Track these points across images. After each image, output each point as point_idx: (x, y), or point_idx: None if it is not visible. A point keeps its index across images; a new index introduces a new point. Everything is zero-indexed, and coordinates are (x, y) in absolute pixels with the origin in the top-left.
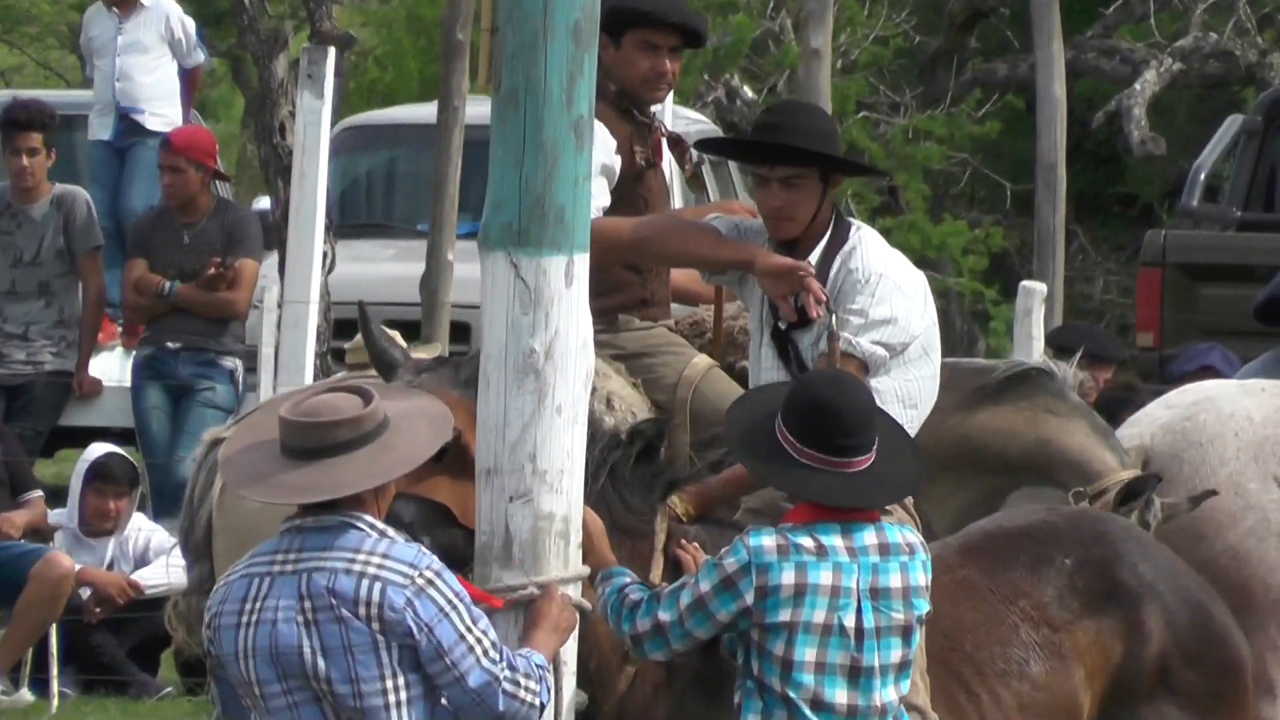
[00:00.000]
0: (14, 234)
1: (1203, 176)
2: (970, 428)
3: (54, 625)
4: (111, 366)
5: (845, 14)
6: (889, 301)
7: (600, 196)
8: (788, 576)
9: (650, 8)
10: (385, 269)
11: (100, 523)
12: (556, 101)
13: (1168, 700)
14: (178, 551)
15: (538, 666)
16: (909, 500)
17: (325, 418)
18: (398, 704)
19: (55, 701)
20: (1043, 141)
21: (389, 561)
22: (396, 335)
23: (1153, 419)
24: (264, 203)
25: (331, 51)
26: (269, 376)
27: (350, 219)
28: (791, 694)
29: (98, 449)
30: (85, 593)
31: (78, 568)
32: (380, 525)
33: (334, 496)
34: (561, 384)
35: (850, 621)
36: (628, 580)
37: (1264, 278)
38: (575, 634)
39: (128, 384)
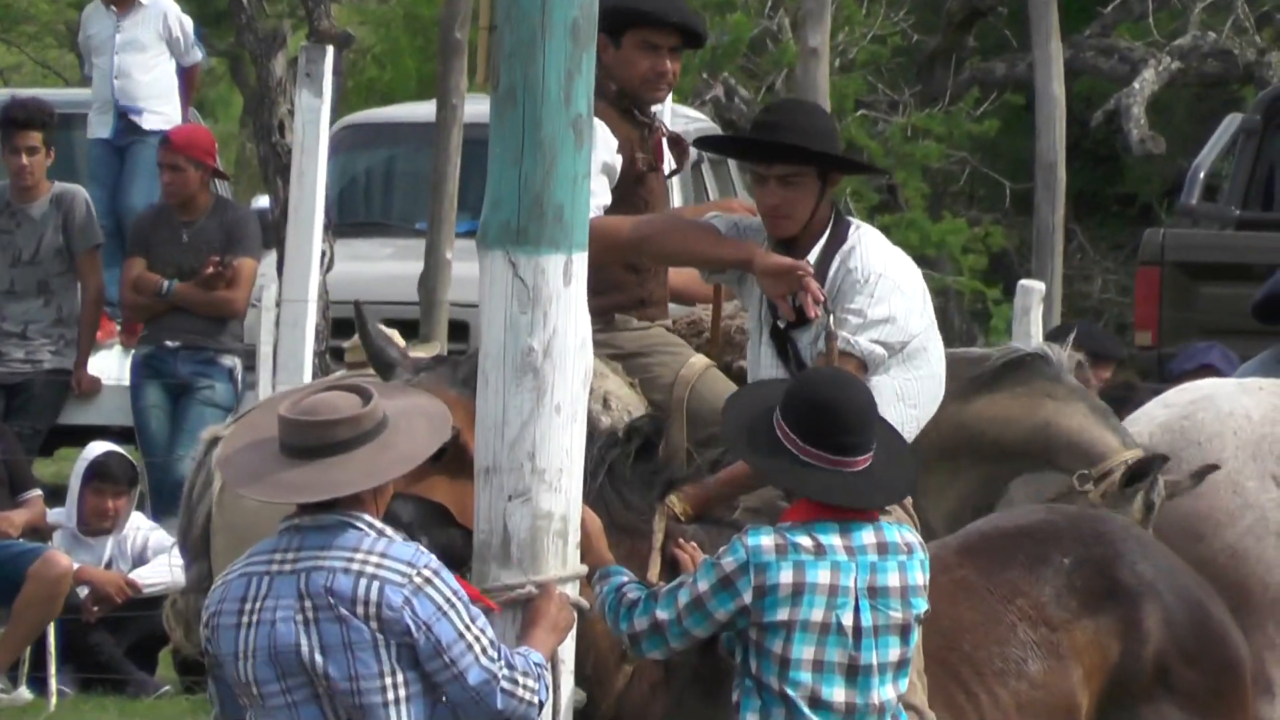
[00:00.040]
0: (13, 233)
1: (1201, 175)
2: (968, 416)
3: (52, 624)
4: (110, 365)
5: (843, 13)
6: (888, 301)
7: (601, 195)
8: (786, 575)
9: (650, 8)
10: (384, 268)
11: (99, 522)
12: (555, 100)
13: (1166, 699)
14: (176, 550)
15: (536, 665)
16: (907, 500)
17: (324, 416)
18: (396, 701)
19: (53, 700)
20: (1041, 140)
21: (387, 560)
22: (395, 334)
23: (1151, 418)
24: (263, 201)
25: (330, 50)
26: (268, 375)
27: (349, 218)
28: (790, 692)
29: (96, 448)
30: (83, 591)
31: (76, 566)
32: (378, 524)
33: (333, 496)
34: (560, 382)
35: (848, 620)
36: (625, 579)
37: (1262, 276)
38: (573, 633)
39: (126, 383)
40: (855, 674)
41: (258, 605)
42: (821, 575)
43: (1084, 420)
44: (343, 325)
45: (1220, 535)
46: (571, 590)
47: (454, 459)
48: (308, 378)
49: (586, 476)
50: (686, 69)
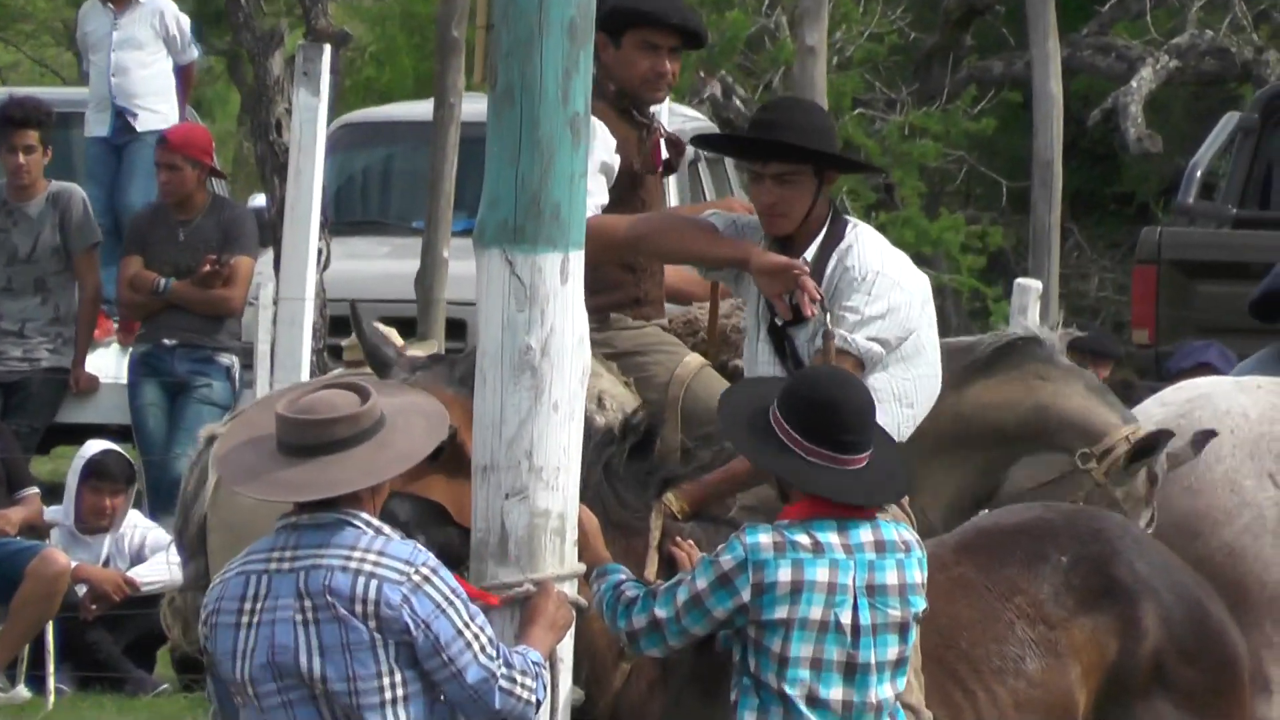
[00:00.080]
0: (10, 231)
1: (1199, 174)
2: (964, 405)
3: (50, 622)
4: (108, 363)
5: (840, 11)
6: (885, 298)
7: (598, 194)
8: (784, 573)
9: (651, 8)
10: (381, 266)
11: (96, 520)
12: (552, 98)
13: (1163, 697)
14: (174, 548)
15: (534, 663)
16: (903, 498)
17: (322, 415)
18: (394, 701)
19: (52, 698)
20: (1039, 139)
21: (384, 558)
22: (392, 332)
23: (1148, 416)
24: (260, 200)
25: (327, 49)
26: (265, 373)
27: (346, 216)
28: (788, 690)
29: (94, 446)
30: (81, 590)
31: (74, 565)
32: (376, 523)
33: (331, 495)
34: (558, 381)
35: (847, 618)
36: (623, 577)
37: (1259, 275)
38: (572, 631)
39: (124, 381)
40: (853, 672)
41: (257, 605)
42: (820, 573)
43: (1082, 399)
44: (340, 323)
45: (1217, 533)
46: (569, 588)
47: (451, 458)
48: (305, 376)
49: (582, 475)
50: (683, 67)
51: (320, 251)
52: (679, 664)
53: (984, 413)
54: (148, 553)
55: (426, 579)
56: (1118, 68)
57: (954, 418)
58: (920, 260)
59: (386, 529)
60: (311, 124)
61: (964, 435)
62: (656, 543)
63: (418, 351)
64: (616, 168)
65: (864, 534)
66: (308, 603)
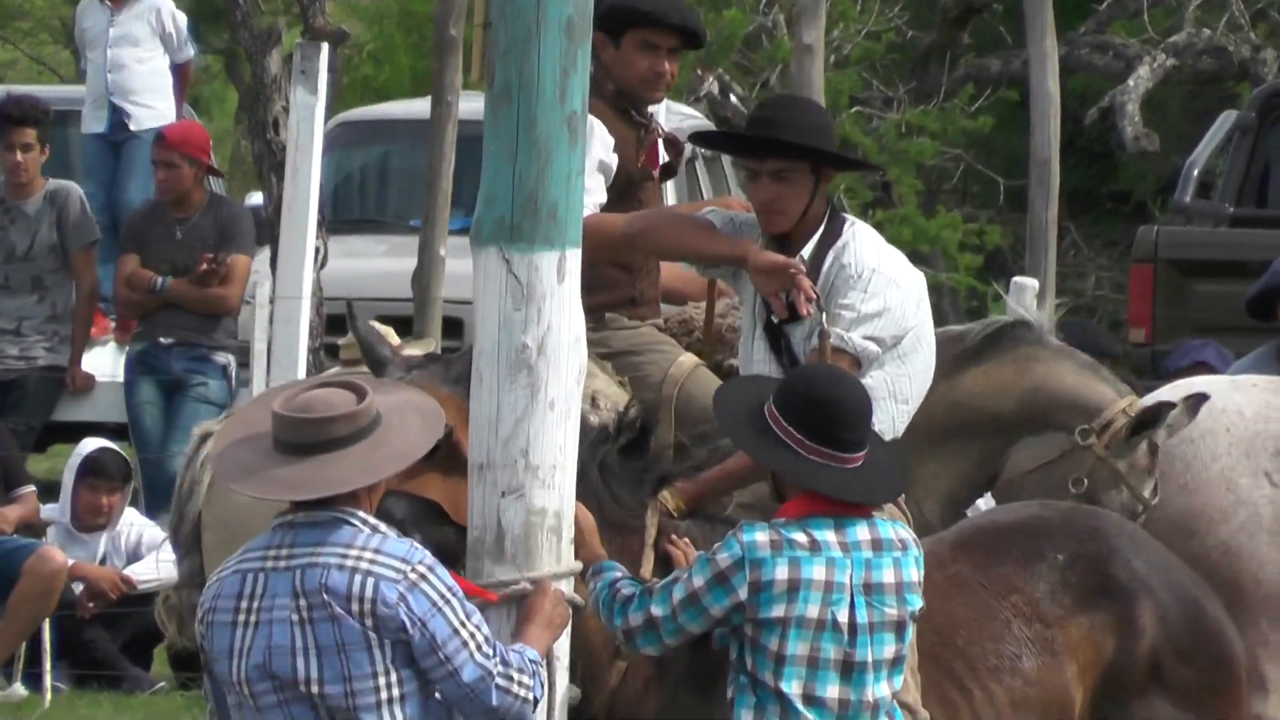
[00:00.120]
0: (7, 229)
1: (1196, 172)
2: (959, 394)
3: (47, 620)
4: (104, 362)
5: (838, 9)
6: (881, 296)
7: (596, 193)
8: (781, 571)
9: (651, 8)
10: (378, 264)
11: (93, 518)
12: (550, 97)
13: (1160, 696)
14: (168, 546)
15: (531, 661)
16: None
17: (319, 413)
18: (389, 701)
19: (48, 696)
20: (1036, 137)
21: (381, 557)
22: (389, 331)
23: None
24: (257, 198)
25: (325, 47)
26: (262, 372)
27: (343, 214)
28: (784, 688)
29: (90, 444)
30: (78, 588)
31: (70, 563)
32: (372, 521)
33: (328, 494)
34: (554, 379)
35: (844, 617)
36: (619, 575)
37: (1256, 273)
38: (568, 629)
39: (120, 379)
40: (850, 671)
41: (254, 604)
42: (817, 571)
43: (1075, 376)
44: (337, 322)
45: (1213, 532)
46: (566, 586)
47: (447, 456)
48: (302, 374)
49: (578, 473)
50: (681, 65)
51: (317, 250)
52: (675, 662)
53: (979, 400)
54: (144, 551)
55: (423, 577)
56: (1115, 66)
57: (949, 407)
58: (917, 258)
59: (383, 527)
60: (309, 122)
61: (960, 424)
62: (652, 541)
63: (414, 350)
64: (614, 167)
65: (861, 532)
66: (303, 601)
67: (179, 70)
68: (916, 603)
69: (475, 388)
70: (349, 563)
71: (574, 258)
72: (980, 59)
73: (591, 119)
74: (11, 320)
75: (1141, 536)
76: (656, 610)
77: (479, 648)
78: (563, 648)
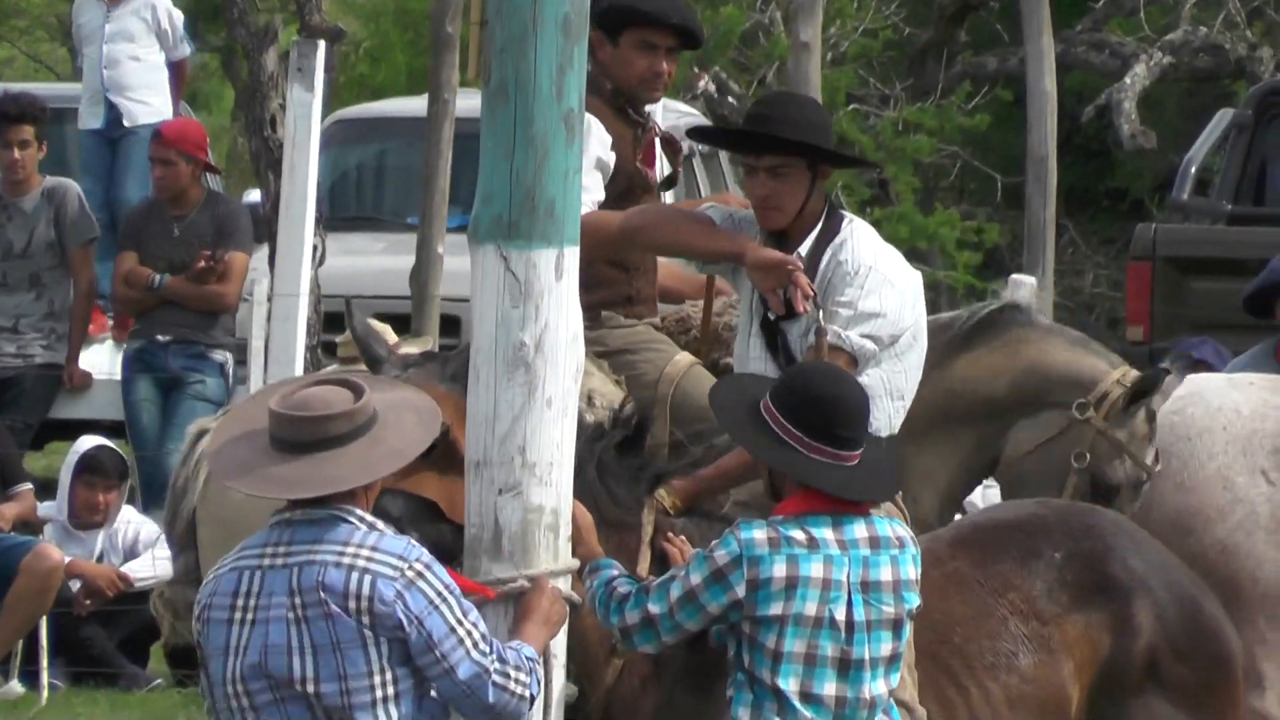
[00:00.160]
0: (5, 226)
1: (1193, 170)
2: (953, 381)
3: (44, 618)
4: (102, 359)
5: (835, 6)
6: (878, 294)
7: (594, 191)
8: (779, 569)
9: (649, 8)
10: (375, 262)
11: (90, 515)
12: (546, 94)
13: (1157, 694)
14: (163, 542)
15: (528, 659)
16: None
17: (317, 412)
18: (385, 699)
19: (45, 693)
20: (1033, 135)
21: (378, 554)
22: (387, 329)
23: None
24: (254, 196)
25: (322, 45)
26: (259, 369)
27: (340, 212)
28: (782, 686)
29: (87, 441)
30: (75, 585)
31: (67, 560)
32: (369, 518)
33: (326, 492)
34: (551, 377)
35: (841, 614)
36: (615, 573)
37: (1254, 271)
38: (565, 627)
39: (118, 377)
40: (847, 668)
41: (251, 602)
42: (814, 569)
43: (1067, 352)
44: (335, 319)
45: (1210, 530)
46: (563, 584)
47: (443, 454)
48: (299, 372)
49: (575, 471)
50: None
51: (315, 247)
52: (671, 659)
53: (973, 385)
54: (141, 548)
55: (420, 574)
56: (1111, 64)
57: (946, 395)
58: (915, 256)
59: (380, 525)
60: (306, 120)
61: (955, 411)
62: (649, 538)
63: (411, 348)
64: (612, 165)
65: (858, 530)
66: (299, 599)
67: (175, 67)
68: (914, 600)
69: (472, 385)
70: (346, 560)
71: (571, 255)
72: (977, 56)
73: (589, 117)
74: (9, 318)
75: (1139, 535)
76: (654, 608)
77: (475, 645)
78: (560, 645)
